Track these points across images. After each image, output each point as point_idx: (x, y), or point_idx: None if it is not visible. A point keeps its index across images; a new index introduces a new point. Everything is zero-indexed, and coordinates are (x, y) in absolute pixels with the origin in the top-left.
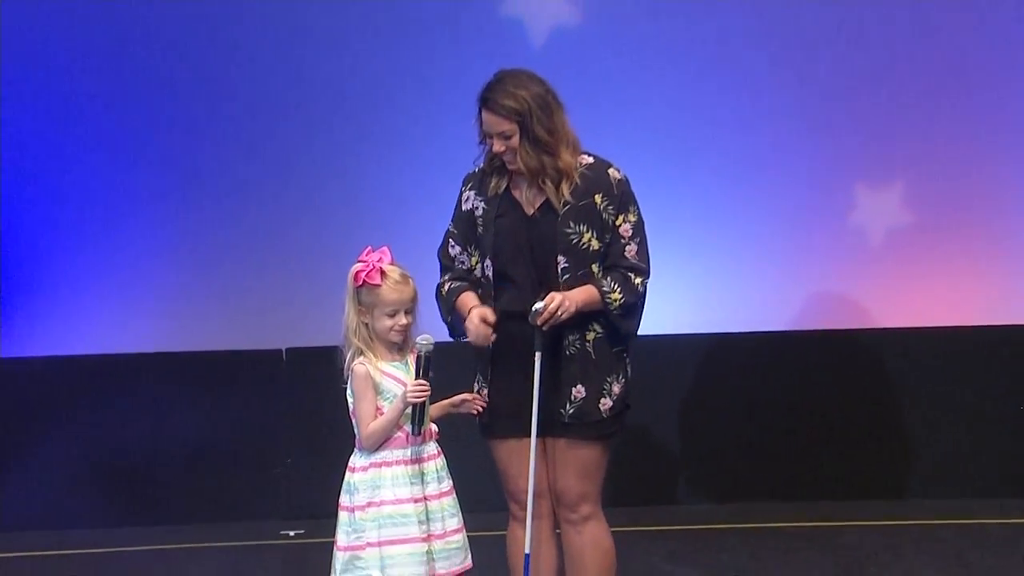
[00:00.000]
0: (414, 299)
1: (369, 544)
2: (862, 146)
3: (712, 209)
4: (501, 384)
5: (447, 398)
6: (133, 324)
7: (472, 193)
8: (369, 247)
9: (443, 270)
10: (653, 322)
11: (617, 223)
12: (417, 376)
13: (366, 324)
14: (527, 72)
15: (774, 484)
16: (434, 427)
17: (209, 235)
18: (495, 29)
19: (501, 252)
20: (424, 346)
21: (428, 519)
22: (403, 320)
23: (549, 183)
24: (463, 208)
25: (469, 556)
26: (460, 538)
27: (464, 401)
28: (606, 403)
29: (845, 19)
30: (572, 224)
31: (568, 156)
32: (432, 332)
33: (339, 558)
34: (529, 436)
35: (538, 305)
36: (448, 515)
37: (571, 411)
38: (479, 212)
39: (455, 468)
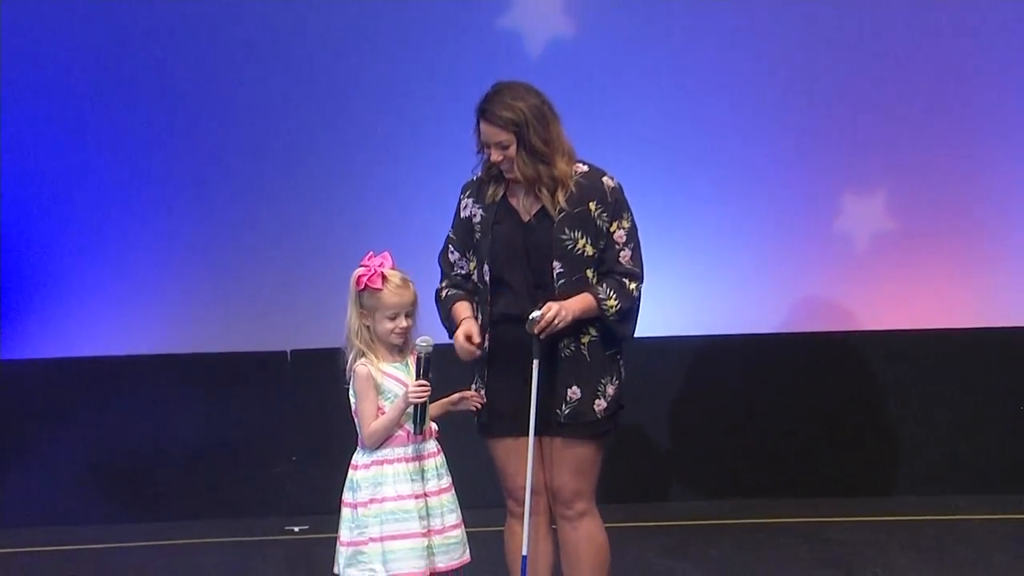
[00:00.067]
0: (414, 302)
1: (372, 539)
2: (847, 156)
3: (703, 216)
4: (498, 385)
5: (446, 396)
6: (141, 327)
7: (470, 201)
8: (371, 252)
9: (442, 275)
10: (646, 325)
11: (611, 229)
12: (418, 377)
13: (368, 327)
14: (523, 84)
15: (763, 481)
16: (434, 426)
17: (215, 239)
18: (493, 40)
19: (498, 258)
20: (424, 347)
21: (428, 515)
22: (403, 323)
23: (545, 191)
24: (461, 215)
25: (467, 551)
26: (459, 533)
27: (462, 399)
28: (600, 403)
29: (831, 37)
30: (567, 231)
31: (563, 165)
32: (431, 334)
33: (342, 553)
34: (526, 435)
35: (535, 314)
36: (447, 511)
37: (567, 411)
38: (477, 219)
39: (454, 466)
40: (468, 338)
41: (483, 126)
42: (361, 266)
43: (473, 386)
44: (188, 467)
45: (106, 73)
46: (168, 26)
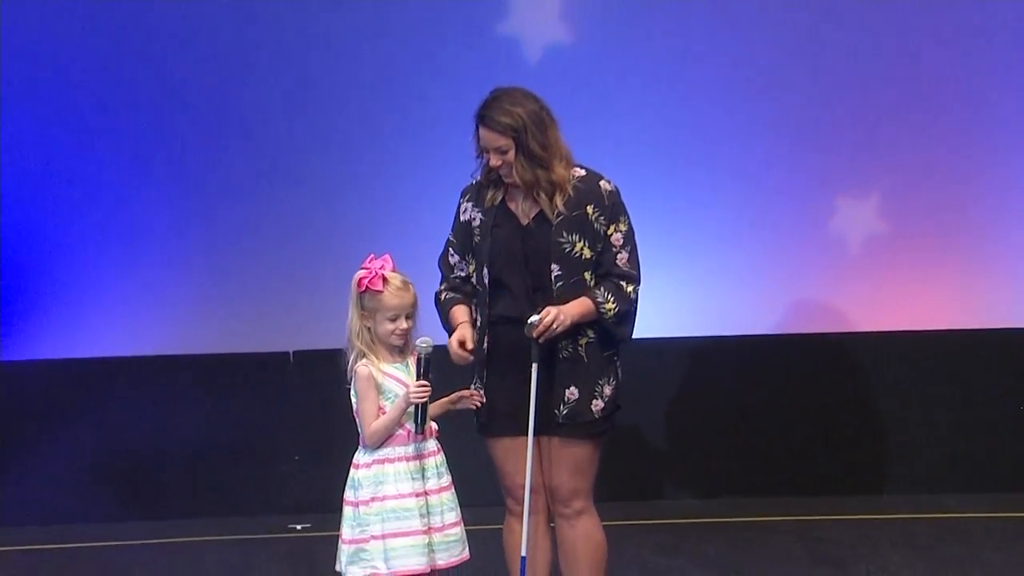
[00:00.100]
0: (414, 304)
1: (373, 537)
2: (841, 159)
3: (699, 218)
4: (497, 385)
5: (445, 396)
6: (146, 328)
7: (470, 204)
8: (372, 255)
9: (442, 278)
10: (643, 326)
11: (608, 232)
12: (418, 377)
13: (368, 328)
14: (521, 90)
15: (758, 480)
16: (434, 425)
17: (219, 242)
18: (493, 47)
19: (497, 260)
20: (424, 348)
21: (428, 513)
22: (404, 324)
23: (543, 195)
24: (461, 219)
25: (467, 548)
26: (458, 531)
27: (461, 398)
28: (598, 404)
29: (824, 44)
30: (565, 234)
31: (561, 169)
32: (431, 335)
33: (344, 551)
34: (524, 434)
35: (533, 318)
36: (447, 509)
37: (564, 412)
38: (476, 223)
39: (453, 465)
40: (461, 344)
41: (482, 131)
42: (362, 268)
43: (473, 386)
44: (192, 466)
45: (108, 74)
46: (173, 28)
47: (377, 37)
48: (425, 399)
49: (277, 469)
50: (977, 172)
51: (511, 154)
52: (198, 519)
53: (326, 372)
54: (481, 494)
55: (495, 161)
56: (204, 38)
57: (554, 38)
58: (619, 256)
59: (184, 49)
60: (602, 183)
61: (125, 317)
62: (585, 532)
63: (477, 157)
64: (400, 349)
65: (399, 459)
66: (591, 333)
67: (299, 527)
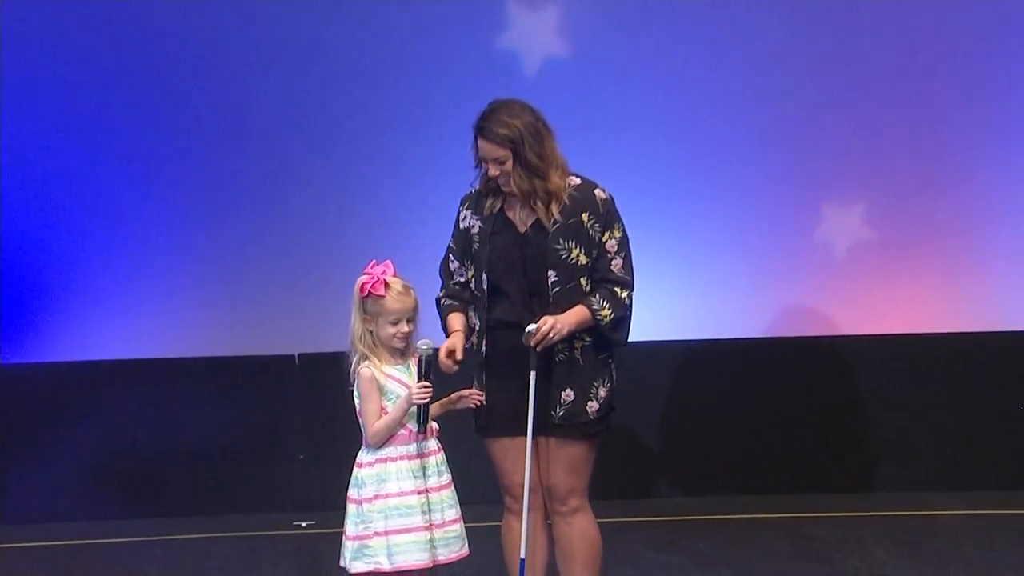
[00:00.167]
0: (415, 308)
1: (376, 533)
2: (827, 170)
3: (692, 226)
4: (496, 387)
5: (445, 397)
6: (156, 332)
7: (469, 212)
8: (374, 261)
9: (442, 284)
10: (637, 330)
11: (603, 239)
12: (420, 378)
13: (371, 331)
14: (519, 102)
15: (747, 479)
16: (435, 425)
17: (227, 249)
18: (493, 60)
19: (495, 267)
20: (425, 350)
21: (430, 510)
22: (405, 328)
23: (540, 204)
24: (461, 227)
25: (466, 544)
26: (458, 527)
27: (461, 397)
28: (593, 406)
29: (811, 61)
30: (561, 241)
31: (557, 178)
32: (432, 337)
33: (348, 547)
34: (522, 435)
35: (531, 327)
36: (447, 506)
37: (561, 413)
38: (475, 230)
39: (453, 464)
40: (450, 353)
41: (481, 143)
42: (364, 274)
43: (473, 387)
44: (200, 465)
45: (111, 77)
46: (178, 34)
47: (382, 50)
48: (427, 399)
49: (282, 468)
50: (959, 181)
51: (509, 164)
52: (206, 517)
53: (330, 374)
54: (480, 492)
55: (493, 171)
56: (211, 45)
57: (551, 51)
58: (614, 262)
59: (190, 54)
60: (597, 191)
61: (136, 321)
62: (581, 529)
63: (476, 167)
64: (401, 352)
65: (401, 458)
66: (587, 337)
67: (304, 524)
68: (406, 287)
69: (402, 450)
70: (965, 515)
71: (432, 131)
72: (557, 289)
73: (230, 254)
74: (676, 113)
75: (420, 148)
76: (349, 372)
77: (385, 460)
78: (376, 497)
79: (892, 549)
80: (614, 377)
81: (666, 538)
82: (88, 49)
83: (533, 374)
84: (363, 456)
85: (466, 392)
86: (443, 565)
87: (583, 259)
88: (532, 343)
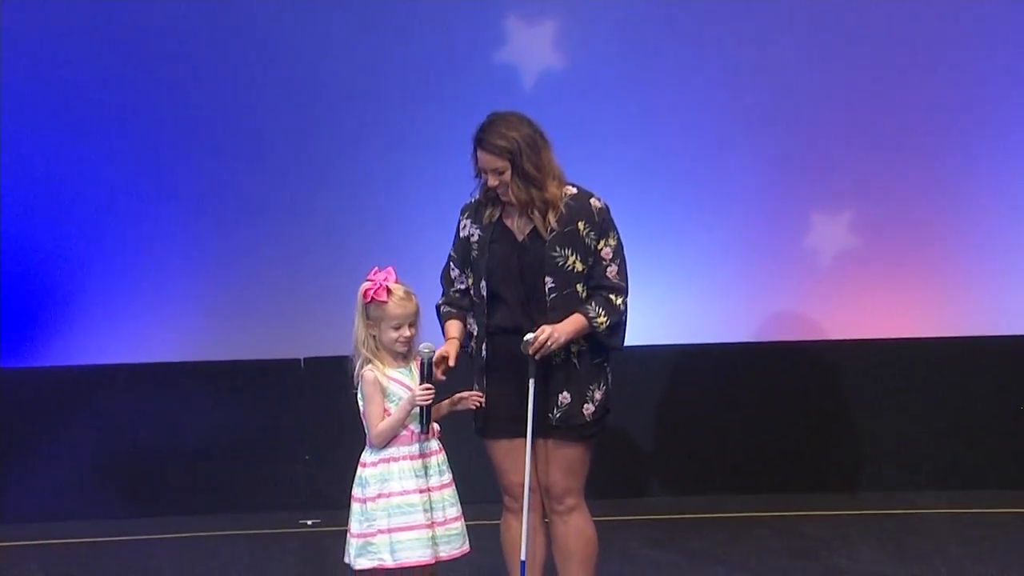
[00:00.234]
0: (417, 313)
1: (380, 531)
2: (815, 179)
3: (684, 234)
4: (495, 391)
5: (446, 398)
6: (164, 337)
7: (468, 221)
8: (376, 267)
9: (442, 292)
10: (632, 335)
11: (599, 247)
12: (422, 381)
13: (374, 336)
14: (517, 114)
15: (738, 478)
16: (436, 426)
17: (234, 256)
18: (492, 74)
19: (494, 274)
20: (426, 353)
21: (431, 508)
22: (407, 332)
23: (537, 213)
24: (461, 235)
25: (467, 541)
26: (459, 525)
27: (461, 399)
28: (589, 408)
29: (798, 74)
30: (558, 249)
31: (554, 188)
32: (433, 341)
33: (353, 544)
34: (521, 436)
35: (529, 336)
36: (448, 504)
37: (558, 415)
38: (475, 238)
39: (454, 464)
40: (442, 360)
41: (480, 154)
42: (367, 280)
43: (474, 389)
44: (208, 466)
45: (111, 78)
46: (185, 36)
47: (385, 65)
48: (430, 401)
49: (288, 468)
50: (941, 191)
51: (507, 175)
52: (214, 515)
53: (334, 377)
54: (480, 492)
55: (492, 181)
56: (218, 53)
57: (548, 65)
58: (609, 269)
59: (196, 59)
60: (592, 201)
61: (145, 327)
62: (577, 527)
63: (475, 177)
64: (403, 355)
65: (403, 458)
66: (583, 342)
67: (309, 522)
68: (408, 293)
69: (405, 450)
70: (947, 513)
71: (433, 143)
72: (554, 295)
73: (237, 261)
74: (669, 125)
75: (422, 159)
76: (353, 375)
77: (388, 460)
78: (380, 496)
79: (878, 546)
80: (609, 380)
81: (660, 536)
82: (90, 51)
83: (532, 382)
84: (367, 456)
85: (466, 394)
86: (444, 562)
87: (579, 266)
88: (530, 352)
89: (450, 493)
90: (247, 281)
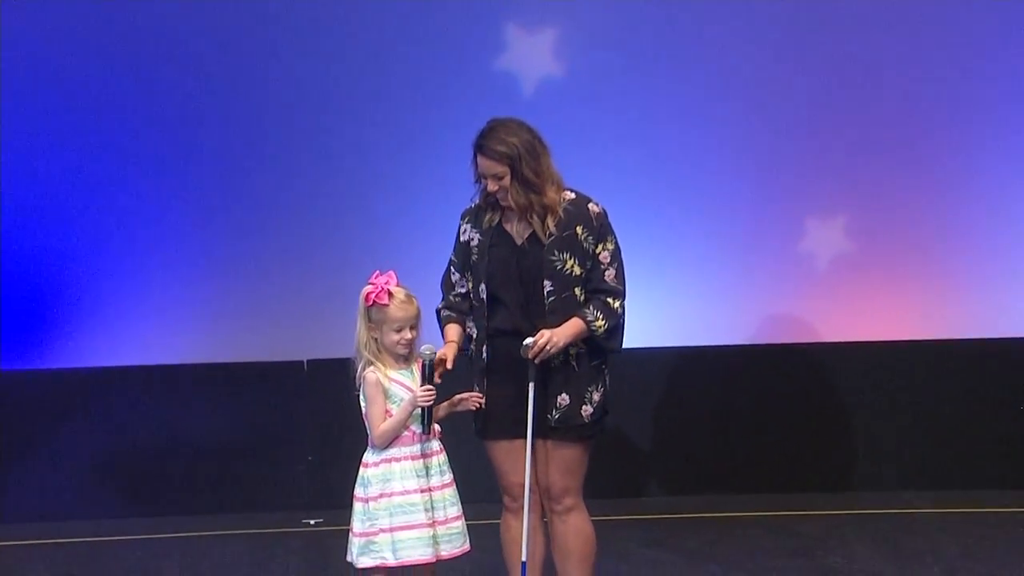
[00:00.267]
0: (417, 316)
1: (382, 530)
2: (810, 185)
3: (681, 238)
4: (494, 392)
5: (447, 400)
6: (170, 338)
7: (468, 226)
8: (377, 271)
9: (442, 296)
10: (630, 337)
11: (597, 251)
12: (423, 382)
13: (375, 339)
14: (516, 120)
15: (734, 478)
16: (437, 427)
17: (239, 260)
18: (492, 81)
19: (494, 278)
20: (427, 355)
21: (432, 507)
22: (408, 335)
23: (536, 217)
24: (461, 240)
25: (467, 540)
26: (460, 524)
27: (462, 400)
28: (587, 409)
29: (796, 82)
30: (556, 253)
31: (553, 193)
32: (433, 343)
33: (355, 543)
34: (521, 437)
35: (528, 341)
36: (449, 504)
37: (557, 416)
38: (475, 243)
39: (455, 464)
40: (440, 363)
41: (480, 159)
42: (369, 284)
43: (474, 390)
44: (213, 466)
45: (113, 81)
46: (189, 45)
47: (389, 73)
48: (431, 402)
49: (292, 469)
50: (934, 197)
51: (507, 180)
52: (219, 515)
53: (337, 379)
54: (480, 492)
55: (492, 186)
56: (233, 60)
57: (547, 73)
58: (607, 273)
59: (211, 65)
60: (590, 205)
61: (154, 329)
62: (576, 526)
63: (476, 182)
64: (405, 357)
65: (405, 458)
66: (581, 344)
67: (312, 522)
68: (409, 296)
69: (406, 451)
70: (940, 513)
71: (434, 148)
72: (552, 299)
73: (242, 265)
74: (666, 131)
75: (423, 164)
76: (355, 377)
77: (390, 460)
78: (381, 495)
79: (871, 545)
80: (607, 382)
81: (657, 535)
82: (93, 52)
83: (532, 385)
84: (369, 457)
85: (465, 395)
86: (445, 560)
87: (577, 270)
88: (530, 356)
89: (451, 493)
90: (251, 285)
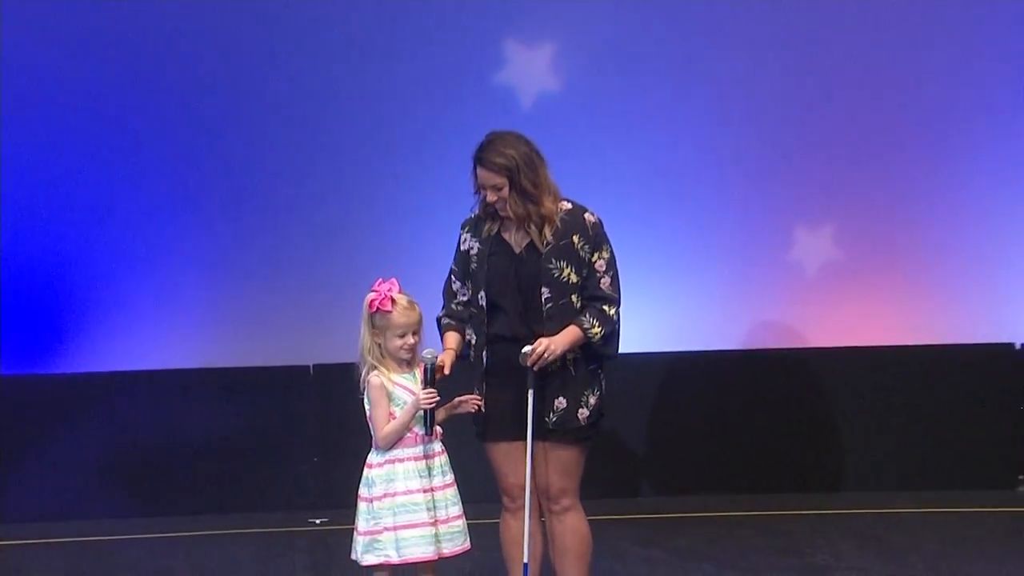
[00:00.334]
0: (420, 322)
1: (386, 528)
2: (800, 196)
3: (675, 247)
4: (494, 395)
5: (448, 402)
6: (180, 343)
7: (468, 235)
8: (380, 279)
9: (443, 304)
10: (625, 343)
11: (592, 260)
12: (425, 385)
13: (379, 344)
14: (514, 133)
15: (725, 479)
16: (439, 428)
17: (248, 268)
18: (491, 95)
19: (493, 285)
20: (429, 359)
21: (435, 507)
22: (411, 340)
23: (534, 227)
24: (461, 249)
25: (468, 539)
26: (461, 523)
27: (461, 402)
28: (584, 412)
29: (784, 95)
30: (554, 261)
31: (550, 204)
32: (434, 348)
33: (360, 541)
34: (520, 439)
35: (527, 349)
36: (451, 503)
37: (554, 419)
38: (474, 251)
39: (456, 465)
40: (439, 368)
41: (479, 171)
42: (372, 291)
43: (473, 393)
44: (221, 467)
45: (119, 81)
46: (204, 45)
47: (391, 87)
48: (433, 405)
49: (298, 470)
50: (920, 206)
51: (505, 191)
52: (227, 514)
53: (341, 383)
54: (480, 492)
55: (491, 197)
56: (242, 65)
57: (545, 87)
58: (602, 280)
59: (220, 70)
60: (587, 215)
61: (165, 334)
62: (572, 526)
63: (475, 193)
64: (407, 362)
65: (408, 459)
66: (578, 350)
67: (318, 521)
68: (411, 302)
69: (409, 452)
70: (923, 512)
71: (436, 160)
72: (550, 305)
73: (250, 272)
74: (660, 144)
75: (424, 175)
76: (359, 381)
77: (393, 461)
78: (385, 495)
79: (858, 544)
80: (603, 386)
81: (651, 534)
82: (94, 54)
83: (531, 392)
84: (373, 458)
85: (464, 397)
86: (447, 558)
87: (574, 278)
88: (528, 363)
89: (452, 493)
90: (258, 292)
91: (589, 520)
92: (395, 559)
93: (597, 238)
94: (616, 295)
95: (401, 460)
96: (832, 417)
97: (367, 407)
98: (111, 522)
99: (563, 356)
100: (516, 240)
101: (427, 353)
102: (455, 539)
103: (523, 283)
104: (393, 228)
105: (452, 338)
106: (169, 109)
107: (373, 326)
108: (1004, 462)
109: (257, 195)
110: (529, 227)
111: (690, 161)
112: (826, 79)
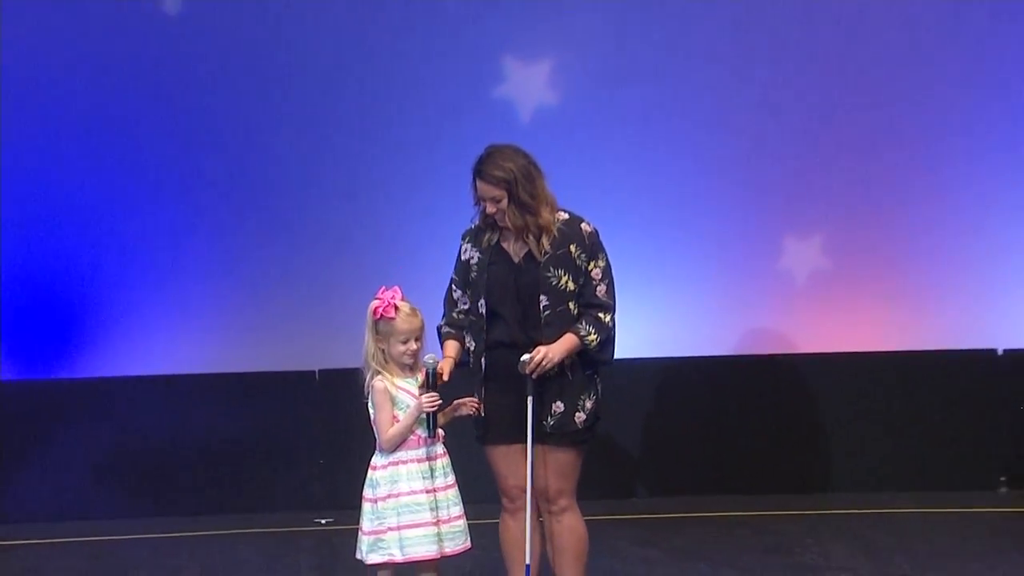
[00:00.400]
0: (422, 328)
1: (390, 528)
2: (789, 207)
3: (668, 256)
4: (494, 400)
5: (449, 406)
6: (189, 349)
7: (469, 245)
8: (383, 286)
9: (444, 314)
10: (620, 349)
11: (589, 268)
12: (427, 389)
13: (383, 350)
14: (513, 146)
15: (719, 481)
16: (441, 431)
17: (253, 274)
18: (490, 109)
19: (493, 293)
20: (431, 363)
21: (437, 507)
22: (413, 346)
23: (532, 237)
24: (462, 258)
25: (468, 538)
26: (462, 523)
27: (460, 405)
28: (580, 416)
29: (774, 105)
30: (552, 270)
31: (547, 214)
32: (435, 354)
33: (364, 540)
34: (519, 442)
35: (525, 357)
36: (452, 504)
37: (552, 423)
38: (474, 261)
39: (457, 467)
40: (438, 375)
41: (479, 183)
42: (376, 299)
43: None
44: (229, 470)
45: (120, 84)
46: (210, 49)
47: (393, 101)
48: (435, 408)
49: (304, 472)
50: (907, 216)
51: (504, 202)
52: (234, 515)
53: (346, 388)
54: (480, 493)
55: (490, 208)
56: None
57: (543, 101)
58: (598, 288)
59: (223, 74)
60: (583, 225)
61: (173, 341)
62: (570, 526)
63: (475, 205)
64: (410, 366)
65: (411, 461)
66: (575, 355)
67: (323, 521)
68: (413, 309)
69: (412, 454)
70: (911, 512)
71: (437, 172)
72: (548, 312)
73: (257, 280)
74: (654, 157)
75: (425, 188)
76: (363, 386)
77: (397, 463)
78: (389, 496)
79: (847, 544)
80: (600, 391)
81: (647, 535)
82: (96, 56)
83: (531, 399)
84: (377, 460)
85: (463, 400)
86: (449, 556)
87: (571, 286)
88: (527, 371)
89: (454, 493)
90: (265, 299)
91: (586, 520)
92: (399, 558)
93: (593, 247)
94: (611, 302)
95: (404, 462)
96: (822, 420)
97: (371, 411)
98: (121, 523)
99: (561, 363)
100: (515, 250)
101: (429, 358)
102: (456, 538)
103: (522, 291)
104: (396, 238)
105: (452, 346)
106: (174, 115)
107: (377, 332)
108: (986, 464)
109: (265, 208)
110: (527, 237)
111: (683, 173)
112: (814, 92)
